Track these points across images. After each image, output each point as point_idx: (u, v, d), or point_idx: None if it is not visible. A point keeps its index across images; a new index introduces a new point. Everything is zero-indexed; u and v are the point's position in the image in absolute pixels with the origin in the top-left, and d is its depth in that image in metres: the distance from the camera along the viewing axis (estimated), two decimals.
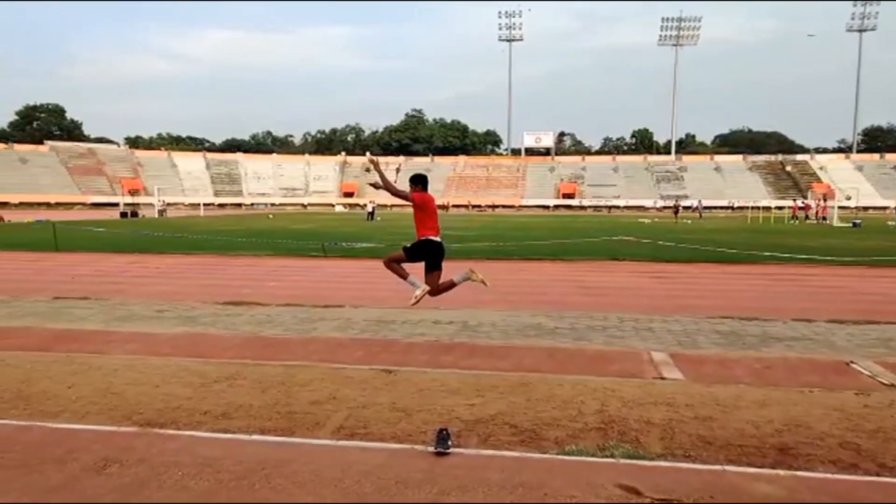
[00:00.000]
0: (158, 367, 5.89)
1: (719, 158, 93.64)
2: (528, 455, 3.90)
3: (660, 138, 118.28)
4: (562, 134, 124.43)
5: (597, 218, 58.31)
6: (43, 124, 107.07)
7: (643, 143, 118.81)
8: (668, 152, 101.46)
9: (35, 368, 5.80)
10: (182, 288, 11.64)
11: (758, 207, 56.24)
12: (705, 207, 66.72)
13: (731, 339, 7.37)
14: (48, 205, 68.90)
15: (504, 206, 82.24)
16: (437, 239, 7.02)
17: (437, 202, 7.57)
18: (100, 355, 6.39)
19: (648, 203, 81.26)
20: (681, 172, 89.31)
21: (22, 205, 66.44)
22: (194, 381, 5.40)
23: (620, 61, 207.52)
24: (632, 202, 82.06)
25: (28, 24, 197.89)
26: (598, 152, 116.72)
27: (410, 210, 7.22)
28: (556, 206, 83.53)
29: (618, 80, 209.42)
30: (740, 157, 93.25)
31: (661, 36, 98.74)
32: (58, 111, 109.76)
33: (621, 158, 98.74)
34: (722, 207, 75.86)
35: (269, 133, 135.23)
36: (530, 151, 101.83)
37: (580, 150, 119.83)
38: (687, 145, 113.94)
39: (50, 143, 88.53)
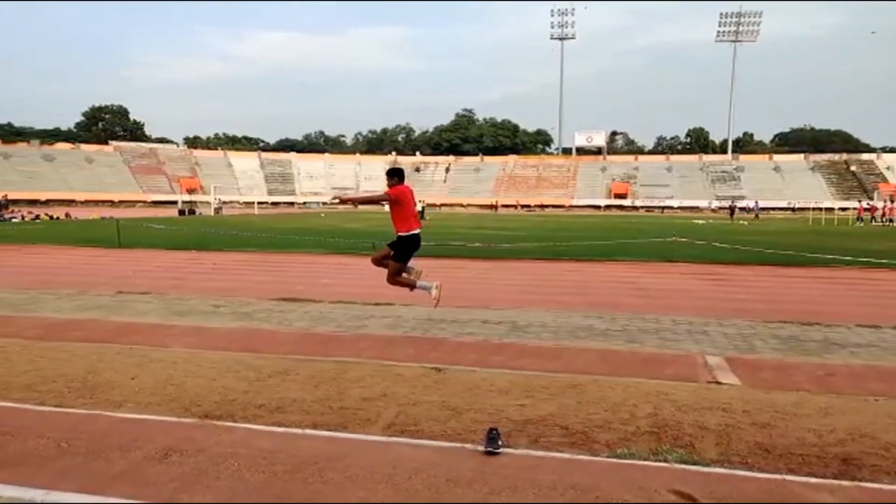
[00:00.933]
0: (215, 360, 6.06)
1: (779, 158, 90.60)
2: (578, 457, 3.87)
3: (716, 137, 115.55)
4: (614, 133, 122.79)
5: (649, 218, 57.26)
6: (108, 125, 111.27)
7: (698, 142, 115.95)
8: (725, 152, 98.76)
9: (100, 359, 6.05)
10: (237, 284, 11.94)
11: (820, 209, 54.35)
12: (762, 208, 64.81)
13: (791, 345, 7.12)
14: (112, 202, 71.68)
15: (554, 206, 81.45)
16: (416, 232, 7.09)
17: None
18: (160, 348, 6.63)
19: (703, 204, 79.32)
20: (737, 172, 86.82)
21: (87, 202, 69.30)
22: (249, 375, 5.54)
23: (675, 59, 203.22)
24: (686, 203, 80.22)
25: (92, 28, 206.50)
26: (652, 152, 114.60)
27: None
28: (608, 207, 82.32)
29: (672, 77, 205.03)
30: (801, 156, 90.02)
31: (718, 32, 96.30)
32: (122, 112, 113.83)
33: (675, 158, 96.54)
34: (781, 209, 73.47)
35: (321, 133, 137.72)
36: (581, 151, 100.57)
37: (633, 149, 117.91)
38: (744, 144, 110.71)
39: (114, 143, 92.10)
